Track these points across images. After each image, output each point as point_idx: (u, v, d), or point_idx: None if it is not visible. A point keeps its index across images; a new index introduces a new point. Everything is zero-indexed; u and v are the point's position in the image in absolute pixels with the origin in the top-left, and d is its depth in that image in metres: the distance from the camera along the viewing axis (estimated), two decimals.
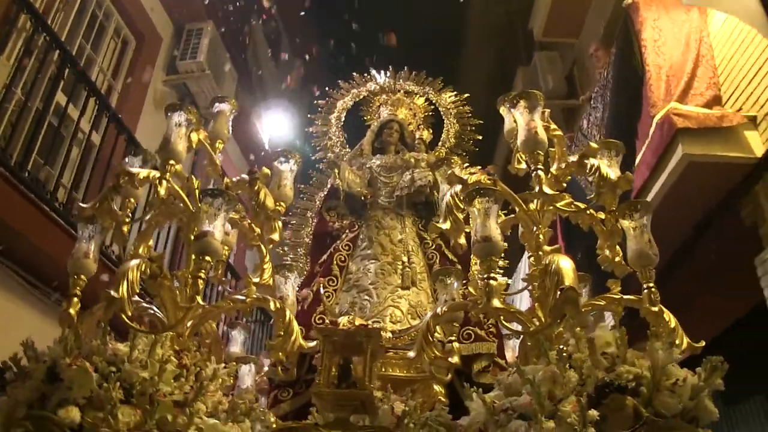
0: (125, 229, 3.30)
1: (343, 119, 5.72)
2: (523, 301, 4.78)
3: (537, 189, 3.01)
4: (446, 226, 3.04)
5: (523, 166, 3.24)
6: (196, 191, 3.32)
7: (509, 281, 4.66)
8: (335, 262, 4.81)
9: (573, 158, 3.23)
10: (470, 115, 5.57)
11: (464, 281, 4.01)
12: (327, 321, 4.32)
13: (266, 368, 4.03)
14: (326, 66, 5.69)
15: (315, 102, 5.87)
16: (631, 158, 5.61)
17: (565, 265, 2.71)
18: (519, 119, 3.12)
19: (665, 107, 5.50)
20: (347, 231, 5.06)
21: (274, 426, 3.37)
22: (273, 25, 12.64)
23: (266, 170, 3.52)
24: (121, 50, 8.58)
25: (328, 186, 5.29)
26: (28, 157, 5.38)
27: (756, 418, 6.11)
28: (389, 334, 4.21)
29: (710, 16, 5.87)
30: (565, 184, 3.28)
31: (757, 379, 5.60)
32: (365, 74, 5.75)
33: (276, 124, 11.41)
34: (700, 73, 5.71)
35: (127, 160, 3.45)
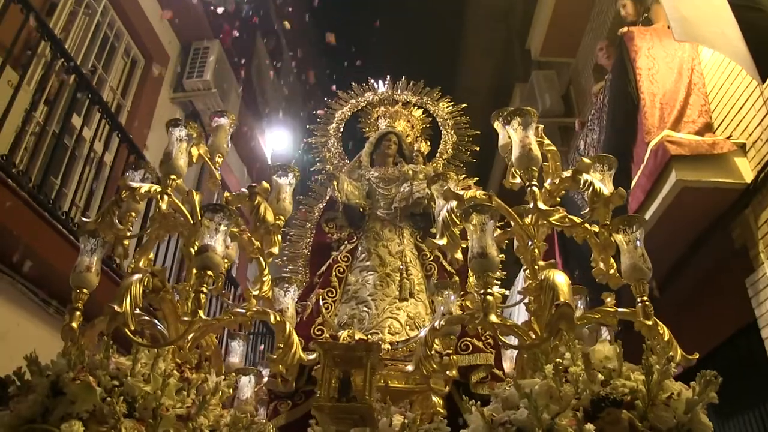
0: (126, 242, 3.34)
1: (341, 130, 5.76)
2: (521, 311, 4.82)
3: (531, 204, 3.05)
4: (443, 242, 3.08)
5: (518, 180, 3.28)
6: (197, 205, 3.37)
7: (507, 292, 4.70)
8: (334, 273, 4.84)
9: (567, 173, 3.27)
10: (467, 126, 5.60)
11: (462, 293, 4.06)
12: (326, 332, 4.36)
13: (266, 379, 4.07)
14: (328, 80, 5.75)
15: (314, 112, 5.93)
16: (626, 181, 5.85)
17: (560, 280, 2.74)
18: (513, 136, 3.16)
19: (659, 134, 5.66)
20: (346, 242, 5.09)
21: None
22: (275, 40, 12.79)
23: (265, 184, 3.56)
24: (131, 69, 8.72)
25: (327, 197, 5.34)
26: (46, 179, 5.46)
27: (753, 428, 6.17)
28: (388, 346, 4.25)
29: (701, 45, 5.95)
30: (559, 199, 3.32)
31: (748, 395, 5.66)
32: (363, 84, 5.80)
33: (278, 139, 11.55)
34: (692, 101, 5.87)
35: (128, 174, 3.48)
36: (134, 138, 6.75)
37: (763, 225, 5.25)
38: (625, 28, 6.62)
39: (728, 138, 5.62)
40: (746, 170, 5.44)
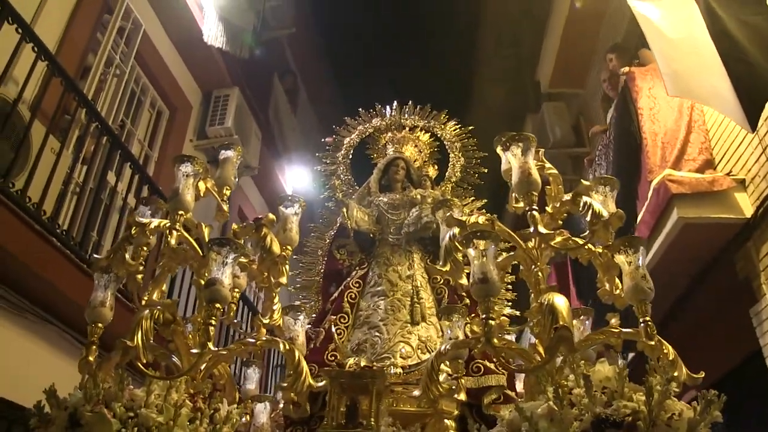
0: (139, 277, 3.43)
1: (350, 157, 5.83)
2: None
3: (532, 229, 3.10)
4: (446, 268, 3.13)
5: (521, 204, 3.33)
6: (206, 238, 3.45)
7: (517, 313, 4.73)
8: (346, 299, 4.88)
9: (567, 196, 3.32)
10: (475, 148, 5.64)
11: (473, 315, 4.09)
12: (339, 358, 4.40)
13: (281, 405, 4.13)
14: (342, 113, 5.85)
15: (323, 140, 6.01)
16: (632, 216, 6.08)
17: (560, 303, 2.78)
18: (512, 161, 3.21)
19: (661, 173, 5.85)
20: (357, 268, 5.13)
21: None
22: (292, 79, 13.06)
23: (271, 216, 3.63)
24: (156, 120, 9.23)
25: (337, 224, 5.40)
26: (87, 234, 5.95)
27: None
28: (399, 370, 4.28)
29: (693, 101, 6.09)
30: (561, 222, 3.37)
31: (755, 421, 5.79)
32: (371, 110, 5.86)
33: (298, 176, 11.76)
34: (692, 138, 6.06)
35: (138, 211, 3.57)
36: (162, 187, 7.06)
37: (764, 257, 5.43)
38: (626, 68, 6.82)
39: (728, 174, 5.80)
40: (746, 205, 5.63)
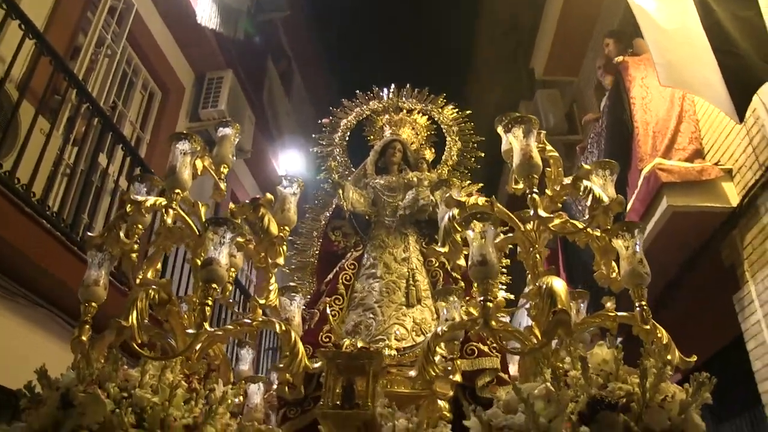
0: (134, 255, 3.39)
1: (347, 139, 5.80)
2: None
3: (532, 212, 3.08)
4: (444, 249, 3.12)
5: (521, 186, 3.31)
6: (203, 217, 3.42)
7: (512, 296, 4.73)
8: (341, 281, 4.88)
9: (567, 180, 3.31)
10: (472, 132, 5.62)
11: (468, 298, 4.09)
12: (334, 339, 4.40)
13: (275, 386, 4.12)
14: (337, 97, 5.83)
15: (319, 121, 5.98)
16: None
17: (558, 286, 2.78)
18: (514, 143, 3.20)
19: (652, 162, 6.02)
20: (352, 250, 5.13)
21: None
22: (286, 62, 13.02)
23: (269, 196, 3.60)
24: (148, 102, 9.17)
25: (333, 206, 5.39)
26: (77, 217, 5.89)
27: None
28: (394, 352, 4.29)
29: (685, 91, 6.18)
30: (560, 204, 3.36)
31: (739, 403, 6.01)
32: (368, 92, 5.82)
33: (292, 160, 11.76)
34: (683, 128, 6.21)
35: (133, 187, 3.53)
36: (154, 169, 6.97)
37: (748, 246, 5.60)
38: (621, 57, 6.97)
39: (716, 164, 5.97)
40: (733, 194, 5.81)
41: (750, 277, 5.58)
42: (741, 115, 4.93)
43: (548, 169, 3.47)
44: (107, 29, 7.67)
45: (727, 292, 5.90)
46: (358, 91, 5.83)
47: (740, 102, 4.89)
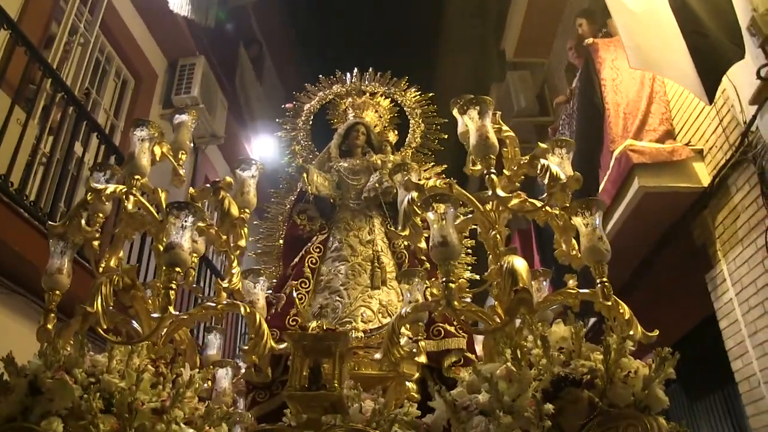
0: (96, 243, 3.39)
1: (310, 123, 5.79)
2: None
3: (490, 192, 3.12)
4: (405, 232, 3.15)
5: (478, 167, 3.34)
6: (163, 203, 3.42)
7: (478, 277, 4.77)
8: (307, 264, 4.88)
9: (524, 159, 3.35)
10: (435, 114, 5.63)
11: (433, 279, 4.13)
12: (300, 322, 4.41)
13: (243, 371, 4.14)
14: (308, 80, 5.83)
15: (282, 106, 5.96)
16: (594, 186, 6.36)
17: (519, 265, 2.82)
18: (470, 124, 3.22)
19: (623, 143, 6.05)
20: (318, 234, 5.12)
21: (251, 428, 3.48)
22: (258, 47, 13.01)
23: (228, 179, 3.61)
24: (122, 89, 9.19)
25: (298, 190, 5.38)
26: (55, 205, 5.93)
27: (715, 412, 6.68)
28: (361, 334, 4.32)
29: (655, 73, 6.22)
30: (518, 184, 3.40)
31: (712, 380, 6.18)
32: (331, 76, 5.82)
33: (265, 145, 11.73)
34: (653, 109, 6.25)
35: (93, 176, 3.52)
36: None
37: (719, 225, 5.68)
38: (590, 39, 6.98)
39: (687, 144, 6.01)
40: (704, 175, 5.84)
41: (722, 256, 5.66)
42: (711, 97, 4.98)
43: (505, 149, 3.51)
44: (80, 18, 7.68)
45: (699, 272, 5.97)
46: (320, 76, 5.82)
47: (710, 83, 4.93)
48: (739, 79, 5.13)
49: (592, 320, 7.17)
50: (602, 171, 6.45)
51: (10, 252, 5.24)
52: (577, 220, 3.10)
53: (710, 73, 4.95)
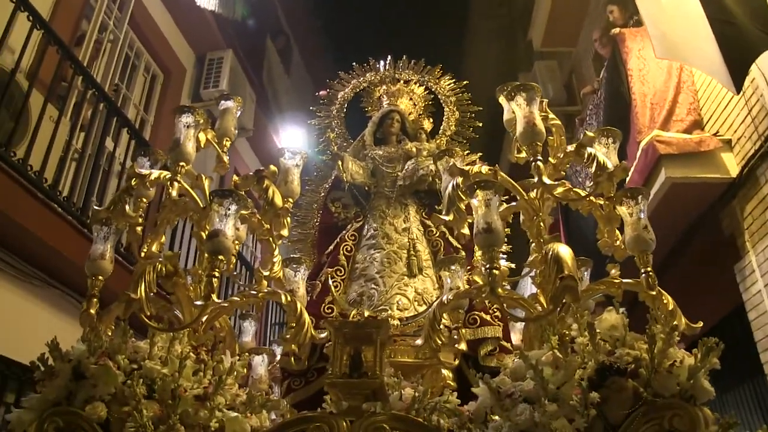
0: (139, 229, 3.41)
1: (344, 111, 5.77)
2: (530, 284, 4.91)
3: (536, 179, 3.09)
4: (449, 218, 3.13)
5: (524, 155, 3.32)
6: (207, 190, 3.43)
7: (513, 266, 4.75)
8: (342, 252, 4.87)
9: (571, 147, 3.32)
10: (470, 102, 5.60)
11: (469, 267, 4.11)
12: (336, 310, 4.42)
13: (278, 358, 4.15)
14: (335, 70, 5.83)
15: (316, 94, 5.95)
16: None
17: (564, 252, 2.80)
18: (517, 111, 3.20)
19: (650, 134, 6.03)
20: (352, 221, 5.11)
21: (289, 414, 3.48)
22: (285, 39, 13.05)
23: (273, 168, 3.60)
24: (151, 84, 9.37)
25: (332, 178, 5.38)
26: (87, 200, 6.08)
27: (745, 404, 6.58)
28: (397, 322, 4.29)
29: (681, 63, 6.17)
30: (564, 173, 3.37)
31: (742, 371, 6.03)
32: (365, 64, 5.80)
33: (293, 137, 11.77)
34: (681, 99, 6.20)
35: (137, 161, 3.54)
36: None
37: (749, 216, 5.62)
38: (617, 29, 6.96)
39: (716, 134, 5.95)
40: (732, 165, 5.80)
41: (751, 247, 5.60)
42: (738, 86, 4.91)
43: (551, 137, 3.48)
44: (109, 15, 7.82)
45: (727, 262, 5.91)
46: (354, 64, 5.80)
47: (738, 72, 4.87)
48: None
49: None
50: (629, 162, 6.29)
51: (44, 246, 5.38)
52: (622, 210, 3.07)
53: (738, 61, 4.89)
